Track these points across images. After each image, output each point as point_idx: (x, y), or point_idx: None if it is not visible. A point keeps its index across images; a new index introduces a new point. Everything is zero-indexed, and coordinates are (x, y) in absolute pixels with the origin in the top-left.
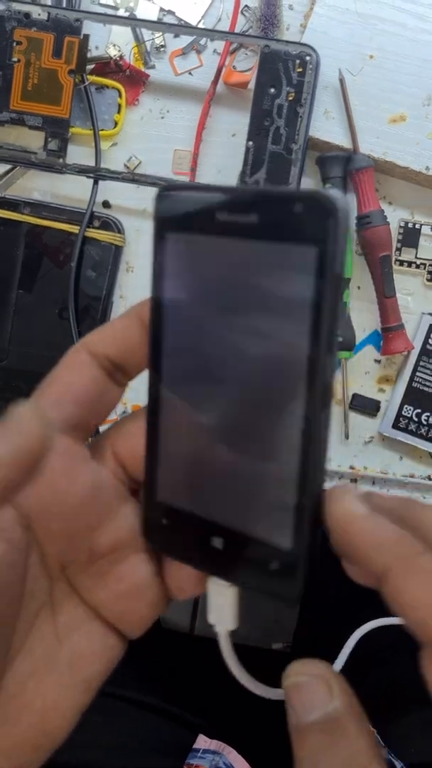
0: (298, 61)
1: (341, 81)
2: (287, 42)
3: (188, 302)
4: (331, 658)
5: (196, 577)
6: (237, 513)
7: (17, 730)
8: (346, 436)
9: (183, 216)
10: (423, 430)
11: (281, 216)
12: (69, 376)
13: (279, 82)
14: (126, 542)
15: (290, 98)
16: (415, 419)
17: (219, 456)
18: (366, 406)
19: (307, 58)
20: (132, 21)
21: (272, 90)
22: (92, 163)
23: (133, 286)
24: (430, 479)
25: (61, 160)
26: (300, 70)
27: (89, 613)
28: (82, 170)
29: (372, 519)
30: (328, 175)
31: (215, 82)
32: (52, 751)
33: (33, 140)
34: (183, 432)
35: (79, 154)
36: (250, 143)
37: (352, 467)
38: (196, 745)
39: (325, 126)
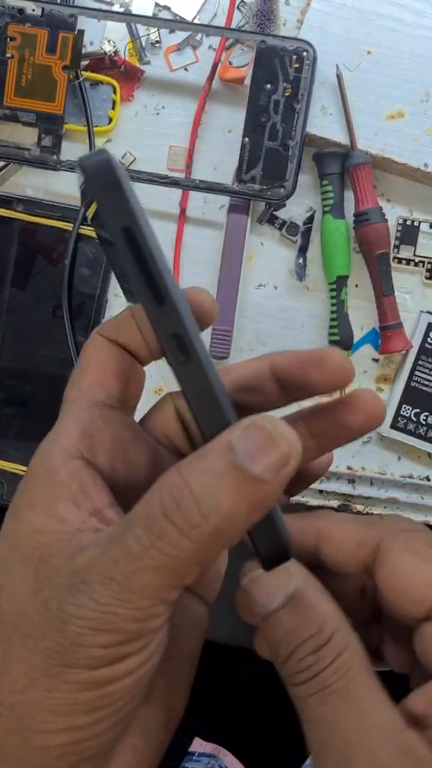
0: (294, 57)
1: (338, 77)
2: (284, 37)
3: None
4: None
5: None
6: None
7: (150, 710)
8: None
9: None
10: (422, 430)
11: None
12: (98, 356)
13: (275, 78)
14: None
15: (287, 94)
16: (414, 419)
17: None
18: None
19: (304, 53)
20: (127, 16)
21: (269, 86)
22: None
23: None
24: (428, 480)
25: (55, 157)
26: (297, 65)
27: None
28: (76, 167)
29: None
30: (325, 172)
31: (211, 77)
32: (175, 729)
33: (26, 137)
34: None
35: (73, 150)
36: (246, 139)
37: (349, 468)
38: (191, 749)
39: (323, 122)
